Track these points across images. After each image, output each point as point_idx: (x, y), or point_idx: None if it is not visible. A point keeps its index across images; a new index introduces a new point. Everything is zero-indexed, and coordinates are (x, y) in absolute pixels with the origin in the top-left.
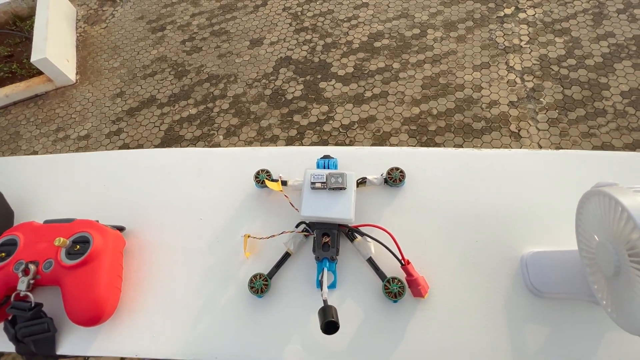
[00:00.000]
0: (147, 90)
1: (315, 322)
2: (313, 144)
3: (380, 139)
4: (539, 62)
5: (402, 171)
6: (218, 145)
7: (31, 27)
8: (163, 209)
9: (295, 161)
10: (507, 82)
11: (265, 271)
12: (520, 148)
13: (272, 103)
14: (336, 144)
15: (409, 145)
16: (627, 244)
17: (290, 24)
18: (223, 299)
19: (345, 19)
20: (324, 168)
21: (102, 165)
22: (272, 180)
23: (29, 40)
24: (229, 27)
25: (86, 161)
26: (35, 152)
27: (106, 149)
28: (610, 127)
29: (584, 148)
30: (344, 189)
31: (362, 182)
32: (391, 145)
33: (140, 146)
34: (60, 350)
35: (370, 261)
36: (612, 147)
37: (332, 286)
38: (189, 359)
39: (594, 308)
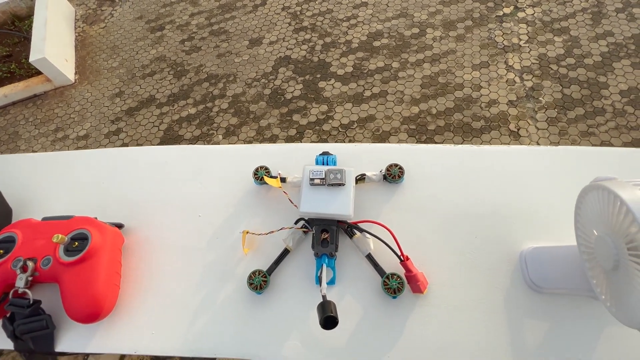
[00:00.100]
0: (146, 90)
1: (315, 318)
2: (312, 143)
3: (380, 139)
4: (538, 61)
5: (401, 167)
6: (217, 144)
7: (30, 26)
8: (162, 207)
9: (294, 158)
10: (507, 81)
11: (264, 267)
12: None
13: (272, 102)
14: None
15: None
16: (626, 238)
17: (290, 24)
18: (222, 296)
19: (344, 19)
20: (323, 164)
21: (101, 163)
22: (271, 177)
23: (27, 40)
24: (228, 27)
25: (84, 159)
26: (34, 152)
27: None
28: (609, 126)
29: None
30: (343, 185)
31: (361, 178)
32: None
33: (139, 146)
34: (59, 348)
35: (369, 257)
36: (611, 146)
37: (331, 282)
38: (188, 355)
39: (593, 303)
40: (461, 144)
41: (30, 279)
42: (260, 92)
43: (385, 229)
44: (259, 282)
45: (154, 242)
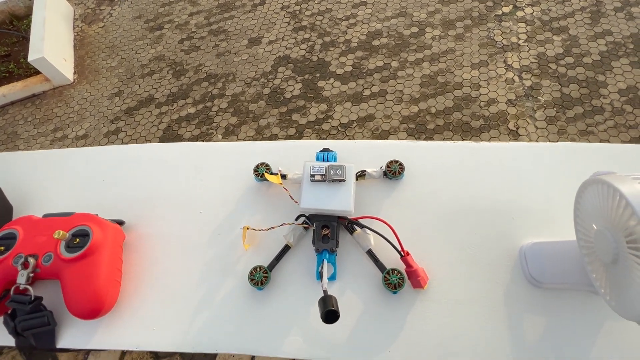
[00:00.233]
0: (146, 90)
1: (316, 314)
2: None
3: (379, 138)
4: (537, 60)
5: (401, 164)
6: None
7: (28, 26)
8: (163, 203)
9: (294, 155)
10: (505, 80)
11: (265, 263)
12: None
13: (271, 102)
14: None
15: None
16: (626, 231)
17: (289, 23)
18: (223, 292)
19: (343, 18)
20: (324, 161)
21: (101, 160)
22: (272, 174)
23: (26, 39)
24: (227, 26)
25: (85, 156)
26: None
27: None
28: (608, 124)
29: None
30: (344, 181)
31: (361, 175)
32: None
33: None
34: (60, 344)
35: (370, 253)
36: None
37: (331, 278)
38: (189, 351)
39: (592, 297)
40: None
41: (31, 275)
42: (259, 92)
43: (385, 225)
44: (260, 278)
45: (154, 239)
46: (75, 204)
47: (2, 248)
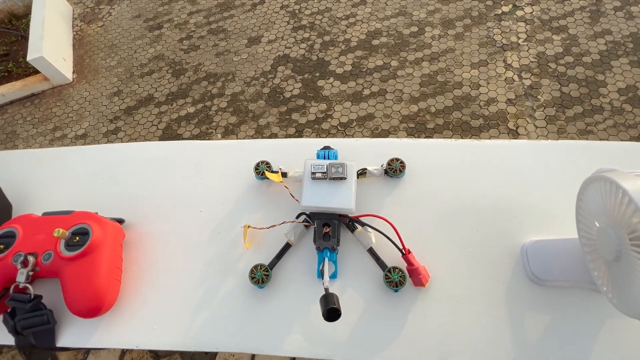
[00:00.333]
0: (145, 89)
1: (317, 312)
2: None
3: (379, 137)
4: (536, 60)
5: (402, 162)
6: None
7: (27, 25)
8: (163, 202)
9: (294, 153)
10: (505, 79)
11: (266, 262)
12: None
13: (271, 101)
14: None
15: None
16: (628, 228)
17: (288, 22)
18: (223, 290)
19: (343, 17)
20: (324, 159)
21: (101, 158)
22: (272, 172)
23: (25, 38)
24: (226, 25)
25: (84, 154)
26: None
27: None
28: (608, 124)
29: None
30: (345, 178)
31: (362, 173)
32: None
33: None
34: (60, 343)
35: (371, 251)
36: None
37: (333, 276)
38: (190, 350)
39: (594, 295)
40: None
41: (31, 273)
42: (259, 91)
43: (387, 223)
44: (261, 276)
45: (155, 237)
46: (75, 202)
47: (2, 246)
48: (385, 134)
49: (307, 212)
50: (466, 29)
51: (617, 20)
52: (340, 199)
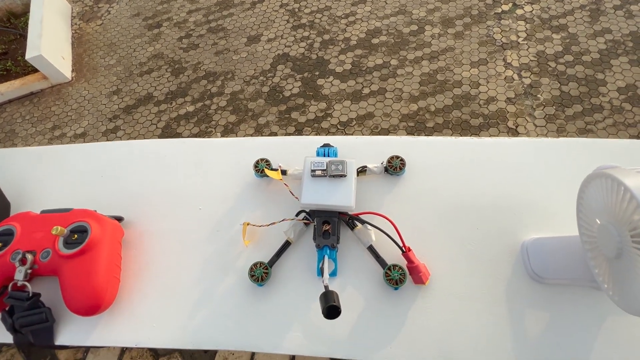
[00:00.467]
0: (144, 88)
1: (317, 310)
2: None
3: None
4: (536, 59)
5: (402, 159)
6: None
7: (25, 24)
8: (162, 199)
9: (294, 151)
10: (505, 78)
11: (266, 260)
12: None
13: (270, 100)
14: None
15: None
16: (630, 225)
17: (288, 21)
18: (223, 288)
19: (342, 16)
20: (324, 156)
21: (100, 156)
22: (272, 169)
23: (23, 37)
24: (226, 24)
25: (83, 152)
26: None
27: None
28: (607, 123)
29: None
30: (345, 176)
31: (362, 170)
32: None
33: None
34: (59, 341)
35: (371, 249)
36: None
37: (332, 274)
38: (189, 348)
39: (595, 293)
40: None
41: (29, 271)
42: (258, 90)
43: (387, 221)
44: (260, 274)
45: (154, 235)
46: (73, 200)
47: (0, 244)
48: (384, 133)
49: (307, 210)
50: (466, 27)
51: (617, 19)
52: (340, 196)
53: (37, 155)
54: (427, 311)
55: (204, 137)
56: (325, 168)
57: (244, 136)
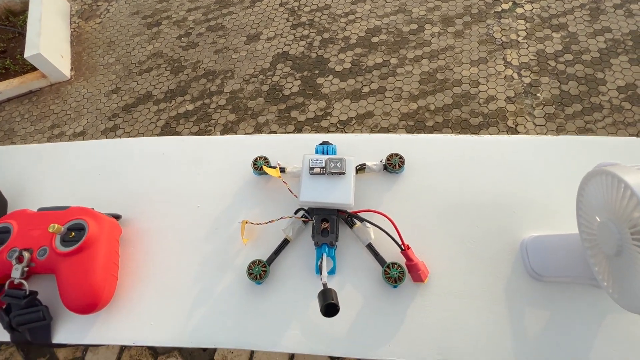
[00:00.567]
0: (143, 86)
1: (315, 308)
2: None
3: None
4: (536, 58)
5: (401, 157)
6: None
7: (24, 22)
8: (160, 197)
9: (293, 149)
10: (505, 77)
11: (264, 257)
12: None
13: (270, 99)
14: None
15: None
16: (630, 222)
17: (287, 19)
18: (221, 286)
19: (342, 14)
20: (323, 154)
21: (98, 154)
22: (270, 167)
23: (22, 35)
24: (225, 23)
25: (81, 150)
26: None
27: None
28: (607, 122)
29: None
30: (343, 173)
31: (361, 168)
32: None
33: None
34: (56, 339)
35: (370, 247)
36: None
37: (331, 272)
38: (187, 346)
39: (594, 291)
40: None
41: (26, 269)
42: (258, 89)
43: (385, 218)
44: (259, 272)
45: (152, 233)
46: (71, 198)
47: None
48: (384, 131)
49: (306, 208)
50: (466, 26)
51: (617, 18)
52: (338, 194)
53: (35, 152)
54: (426, 309)
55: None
56: (324, 166)
57: (243, 135)
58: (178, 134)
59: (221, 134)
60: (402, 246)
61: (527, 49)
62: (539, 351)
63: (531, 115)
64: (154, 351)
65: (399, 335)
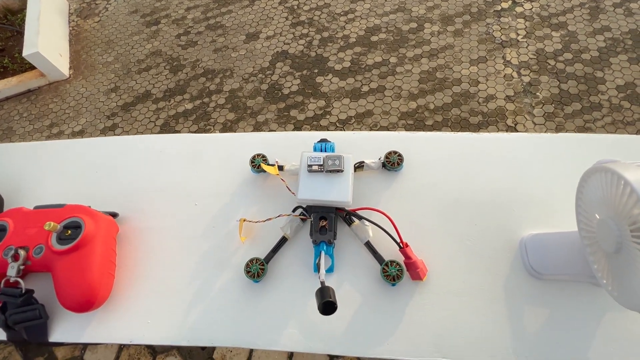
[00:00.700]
0: (142, 85)
1: (313, 306)
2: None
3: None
4: (535, 56)
5: (400, 155)
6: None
7: (23, 20)
8: (157, 195)
9: (291, 146)
10: (504, 76)
11: (262, 256)
12: None
13: (269, 98)
14: None
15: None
16: (629, 219)
17: (287, 18)
18: (219, 284)
19: (341, 13)
20: (321, 152)
21: (95, 152)
22: (269, 165)
23: (20, 34)
24: (224, 21)
25: (78, 148)
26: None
27: None
28: (606, 121)
29: None
30: (342, 171)
31: (359, 166)
32: None
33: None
34: (53, 338)
35: (368, 245)
36: None
37: (329, 270)
38: (184, 344)
39: (594, 289)
40: None
41: (22, 267)
42: (257, 88)
43: (384, 216)
44: (257, 270)
45: (149, 231)
46: (67, 196)
47: None
48: (383, 130)
49: (304, 206)
50: (465, 25)
51: (617, 17)
52: (337, 191)
53: (31, 150)
54: (425, 307)
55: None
56: (322, 163)
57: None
58: (177, 132)
59: (220, 133)
60: (401, 244)
61: (526, 47)
62: (538, 349)
63: (530, 114)
64: (152, 350)
65: (398, 333)
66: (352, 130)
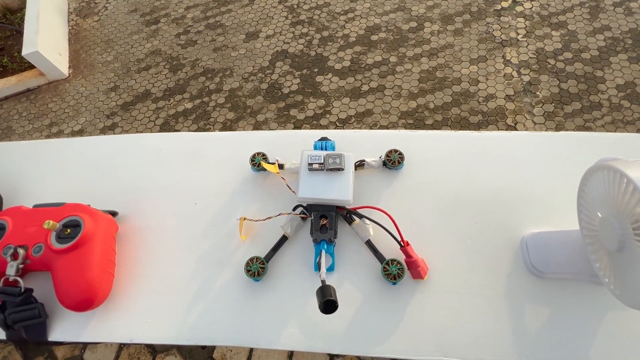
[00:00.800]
0: (142, 85)
1: (314, 305)
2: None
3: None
4: (535, 56)
5: (400, 153)
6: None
7: (22, 19)
8: (157, 194)
9: (291, 145)
10: (504, 75)
11: (262, 254)
12: None
13: (269, 97)
14: None
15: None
16: (632, 217)
17: (286, 17)
18: (219, 283)
19: (341, 12)
20: (322, 150)
21: (94, 150)
22: (269, 163)
23: (19, 33)
24: (224, 20)
25: (77, 146)
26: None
27: None
28: (606, 120)
29: None
30: (342, 169)
31: (360, 164)
32: None
33: None
34: (52, 337)
35: (369, 243)
36: None
37: (330, 269)
38: (184, 344)
39: (595, 288)
40: None
41: (21, 266)
42: (257, 87)
43: (385, 215)
44: (257, 269)
45: (149, 230)
46: (67, 194)
47: None
48: (383, 129)
49: (304, 204)
50: (465, 24)
51: (617, 16)
52: (337, 190)
53: (30, 148)
54: (426, 306)
55: None
56: (322, 161)
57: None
58: (177, 132)
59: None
60: (402, 243)
61: (526, 47)
62: (540, 348)
63: (530, 114)
64: (152, 349)
65: (399, 332)
66: (352, 129)
